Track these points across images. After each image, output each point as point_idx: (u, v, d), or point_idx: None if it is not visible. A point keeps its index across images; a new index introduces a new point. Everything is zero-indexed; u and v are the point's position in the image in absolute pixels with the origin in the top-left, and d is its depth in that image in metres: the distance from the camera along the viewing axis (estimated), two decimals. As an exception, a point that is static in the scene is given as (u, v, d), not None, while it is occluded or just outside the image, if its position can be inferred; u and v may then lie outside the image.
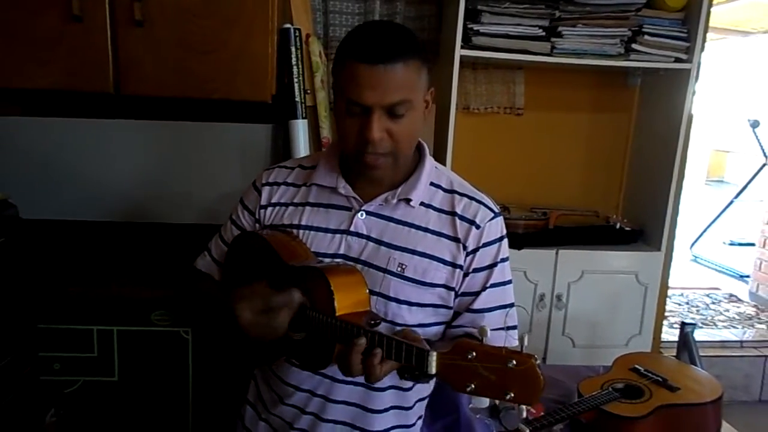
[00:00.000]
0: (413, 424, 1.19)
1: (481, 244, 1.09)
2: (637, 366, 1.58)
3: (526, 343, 0.81)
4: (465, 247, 1.08)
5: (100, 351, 1.80)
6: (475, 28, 2.21)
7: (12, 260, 1.67)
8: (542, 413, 1.42)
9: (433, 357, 0.83)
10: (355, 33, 1.02)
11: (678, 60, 2.32)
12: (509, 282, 1.14)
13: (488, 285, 1.10)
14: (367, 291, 1.00)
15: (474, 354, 0.81)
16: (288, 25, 1.91)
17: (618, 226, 2.51)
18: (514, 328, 1.11)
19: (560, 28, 2.25)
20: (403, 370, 0.97)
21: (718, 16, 2.26)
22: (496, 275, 1.11)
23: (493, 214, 1.11)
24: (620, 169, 2.79)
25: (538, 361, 0.78)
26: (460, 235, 1.09)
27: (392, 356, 0.88)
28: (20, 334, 1.70)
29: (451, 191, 1.13)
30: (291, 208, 1.14)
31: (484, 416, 1.52)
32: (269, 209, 1.16)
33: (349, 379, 1.06)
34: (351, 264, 1.06)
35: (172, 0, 1.76)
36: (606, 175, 2.79)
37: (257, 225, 1.17)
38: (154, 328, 1.80)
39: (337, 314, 0.94)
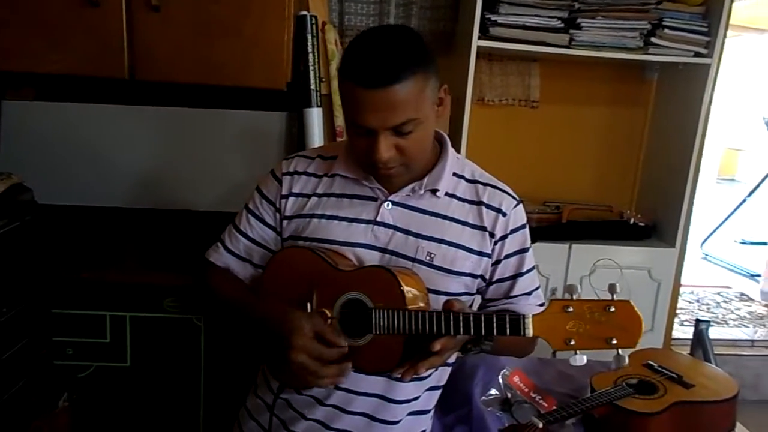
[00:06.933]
0: (427, 411, 1.20)
1: (509, 231, 1.13)
2: (650, 362, 1.56)
3: (618, 290, 0.91)
4: (492, 235, 1.11)
5: (113, 337, 1.80)
6: (493, 19, 2.19)
7: (27, 245, 1.67)
8: (554, 407, 1.41)
9: (529, 319, 0.90)
10: (353, 51, 0.98)
11: (698, 54, 2.29)
12: (535, 267, 1.20)
13: (523, 271, 1.15)
14: (425, 287, 1.03)
15: (571, 308, 0.89)
16: (304, 13, 1.90)
17: (632, 221, 2.50)
18: (542, 305, 1.18)
19: (579, 20, 2.22)
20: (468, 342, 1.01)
21: (735, 12, 2.22)
22: (528, 261, 1.16)
23: (516, 202, 1.16)
24: (635, 164, 2.76)
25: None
26: (487, 224, 1.11)
27: (488, 331, 0.92)
28: (34, 318, 1.71)
29: (474, 181, 1.15)
30: (314, 198, 1.13)
31: (495, 409, 1.52)
32: (290, 199, 1.14)
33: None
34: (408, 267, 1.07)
35: (188, -15, 1.75)
36: (620, 170, 2.76)
37: (278, 215, 1.15)
38: (167, 315, 1.81)
39: (408, 307, 0.96)
